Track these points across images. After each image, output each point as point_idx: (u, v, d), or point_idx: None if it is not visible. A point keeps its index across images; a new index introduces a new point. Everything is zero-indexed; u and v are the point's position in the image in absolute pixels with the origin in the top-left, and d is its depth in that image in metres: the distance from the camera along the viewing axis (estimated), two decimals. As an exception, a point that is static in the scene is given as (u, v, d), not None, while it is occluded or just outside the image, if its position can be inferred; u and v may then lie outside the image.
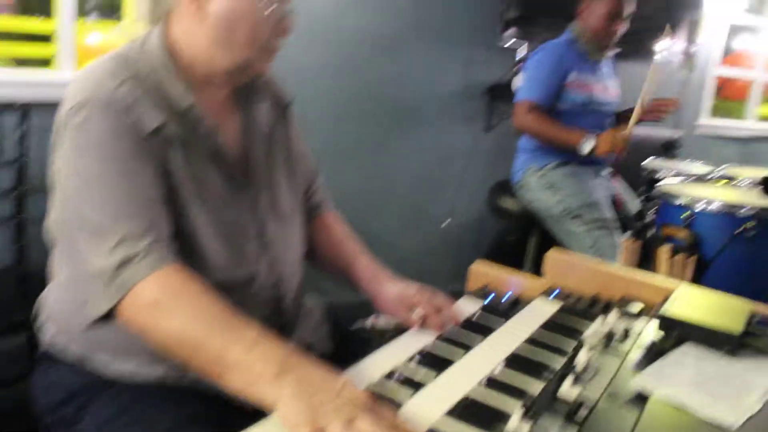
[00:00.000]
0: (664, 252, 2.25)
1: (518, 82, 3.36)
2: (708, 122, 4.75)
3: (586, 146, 2.69)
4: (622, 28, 2.92)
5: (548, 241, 2.89)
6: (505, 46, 3.35)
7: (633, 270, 2.04)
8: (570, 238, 2.76)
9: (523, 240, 3.14)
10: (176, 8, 1.14)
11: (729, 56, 5.08)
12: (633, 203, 2.99)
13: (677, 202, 2.28)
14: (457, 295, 1.33)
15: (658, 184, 2.51)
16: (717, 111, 5.00)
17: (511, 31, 3.30)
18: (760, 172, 2.94)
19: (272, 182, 1.27)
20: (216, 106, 1.20)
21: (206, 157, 1.14)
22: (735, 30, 4.95)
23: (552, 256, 1.54)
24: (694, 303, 1.22)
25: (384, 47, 3.27)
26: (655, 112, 2.93)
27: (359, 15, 3.19)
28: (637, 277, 1.42)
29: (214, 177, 1.15)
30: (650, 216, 2.42)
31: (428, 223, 3.61)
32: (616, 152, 2.67)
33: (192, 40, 1.14)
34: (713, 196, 2.27)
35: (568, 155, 2.84)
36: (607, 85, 3.00)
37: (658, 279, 1.42)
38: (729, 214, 2.19)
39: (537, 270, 3.08)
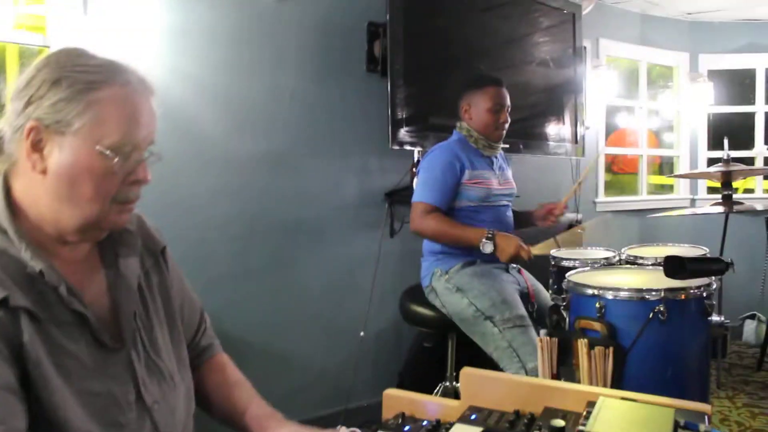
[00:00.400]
0: (582, 346, 2.19)
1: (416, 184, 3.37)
2: (605, 199, 4.91)
3: (487, 247, 2.67)
4: (508, 118, 2.96)
5: (467, 343, 2.82)
6: (399, 149, 3.35)
7: (551, 381, 1.99)
8: (485, 340, 2.68)
9: (441, 344, 3.04)
10: (16, 164, 1.05)
11: (613, 134, 5.33)
12: (545, 294, 2.96)
13: (588, 292, 2.25)
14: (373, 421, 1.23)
15: (567, 274, 2.49)
16: (611, 186, 5.21)
17: (404, 134, 3.31)
18: (659, 251, 2.99)
19: (150, 340, 1.16)
20: (76, 266, 1.10)
21: (68, 325, 1.03)
22: (613, 110, 5.23)
23: (466, 375, 1.44)
24: (617, 415, 1.15)
25: (279, 165, 3.23)
26: (548, 219, 2.99)
27: (250, 136, 3.15)
28: (557, 386, 1.34)
29: (79, 346, 1.03)
30: (564, 309, 2.38)
31: (343, 336, 3.49)
32: (513, 261, 2.70)
33: (35, 198, 1.05)
34: (622, 284, 2.26)
35: (473, 255, 2.79)
36: (503, 177, 3.01)
37: (578, 386, 1.34)
38: (639, 300, 2.18)
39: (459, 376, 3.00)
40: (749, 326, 5.30)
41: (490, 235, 2.67)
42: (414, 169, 3.41)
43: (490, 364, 2.65)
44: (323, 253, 3.40)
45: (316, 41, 3.32)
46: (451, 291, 2.78)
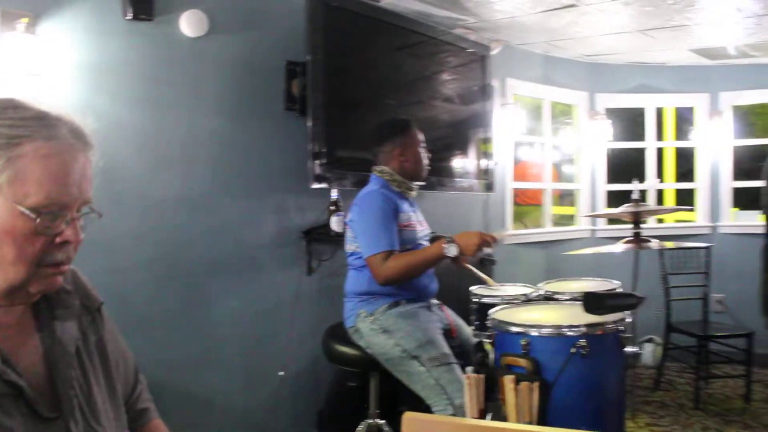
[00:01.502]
0: (508, 382, 2.26)
1: (334, 223, 3.39)
2: (512, 232, 5.07)
3: (452, 249, 2.69)
4: (427, 157, 3.03)
5: (391, 382, 2.84)
6: (317, 188, 3.36)
7: (493, 422, 2.04)
8: (412, 379, 2.71)
9: (364, 384, 3.05)
10: None
11: (516, 166, 5.53)
12: (466, 329, 3.03)
13: (513, 330, 2.34)
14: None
15: (490, 311, 2.57)
16: (517, 217, 5.40)
17: (323, 172, 3.33)
18: (574, 286, 3.13)
19: (89, 406, 1.09)
20: (8, 330, 1.04)
21: (1, 397, 0.96)
22: (518, 144, 5.44)
23: (409, 420, 1.46)
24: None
25: (196, 205, 3.17)
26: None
27: (167, 175, 3.09)
28: (497, 428, 1.38)
29: (14, 420, 0.97)
30: (488, 346, 2.45)
31: (263, 377, 3.44)
32: (478, 253, 2.73)
33: None
34: (544, 321, 2.35)
35: (396, 296, 2.83)
36: (421, 218, 3.08)
37: (517, 426, 1.39)
38: (561, 336, 2.27)
39: (382, 413, 3.03)
40: (647, 349, 5.58)
41: (449, 239, 2.71)
42: (332, 208, 3.43)
43: (412, 403, 2.69)
44: (242, 293, 3.36)
45: (235, 79, 3.31)
46: (377, 332, 2.79)
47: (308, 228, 3.57)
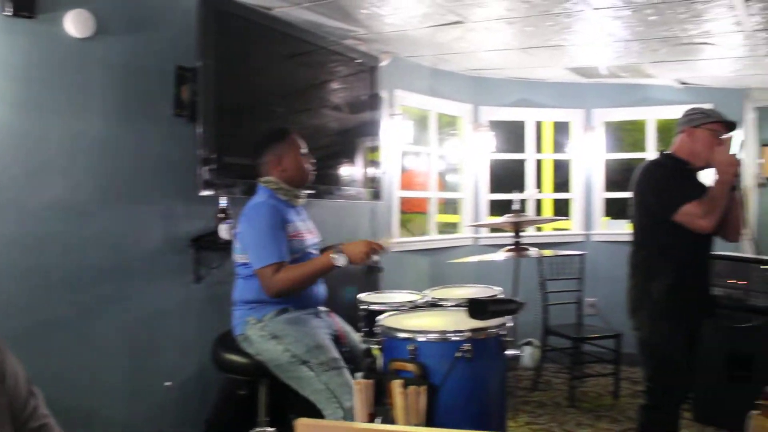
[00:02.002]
0: (396, 386, 2.34)
1: (223, 231, 3.36)
2: (399, 240, 5.18)
3: (341, 259, 2.73)
4: (312, 164, 3.06)
5: (280, 389, 2.86)
6: (206, 194, 3.33)
7: (384, 426, 2.10)
8: (301, 384, 2.74)
9: (253, 392, 3.05)
10: None
11: (403, 175, 5.65)
12: (354, 336, 3.09)
13: (400, 336, 2.41)
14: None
15: (378, 318, 2.64)
16: (403, 225, 5.51)
17: (212, 179, 3.30)
18: (458, 293, 3.26)
19: None
20: None
21: None
22: (405, 154, 5.56)
23: (303, 425, 1.50)
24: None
25: (79, 212, 3.06)
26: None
27: (48, 181, 2.96)
28: (385, 430, 1.44)
29: None
30: (377, 352, 2.51)
31: (148, 388, 3.36)
32: (367, 262, 2.78)
33: None
34: (431, 326, 2.44)
35: (285, 302, 2.85)
36: (308, 227, 3.10)
37: (404, 428, 1.46)
38: (446, 341, 2.37)
39: (272, 421, 3.04)
40: (526, 352, 5.84)
41: (337, 249, 2.75)
42: (220, 215, 3.40)
43: (302, 410, 2.71)
44: (127, 303, 3.27)
45: (122, 83, 3.22)
46: (266, 338, 2.80)
47: (197, 236, 3.52)
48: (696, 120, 3.11)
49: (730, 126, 3.14)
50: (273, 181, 2.98)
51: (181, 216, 3.48)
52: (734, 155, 3.00)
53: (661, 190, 3.07)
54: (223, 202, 3.41)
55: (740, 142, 5.77)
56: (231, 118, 3.43)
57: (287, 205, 2.98)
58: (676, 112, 3.28)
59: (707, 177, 3.12)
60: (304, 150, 3.04)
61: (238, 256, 2.92)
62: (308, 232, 3.05)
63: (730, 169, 2.94)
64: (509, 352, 2.54)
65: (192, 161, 3.28)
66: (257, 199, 2.96)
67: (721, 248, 3.79)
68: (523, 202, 6.16)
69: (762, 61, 4.69)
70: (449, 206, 6.76)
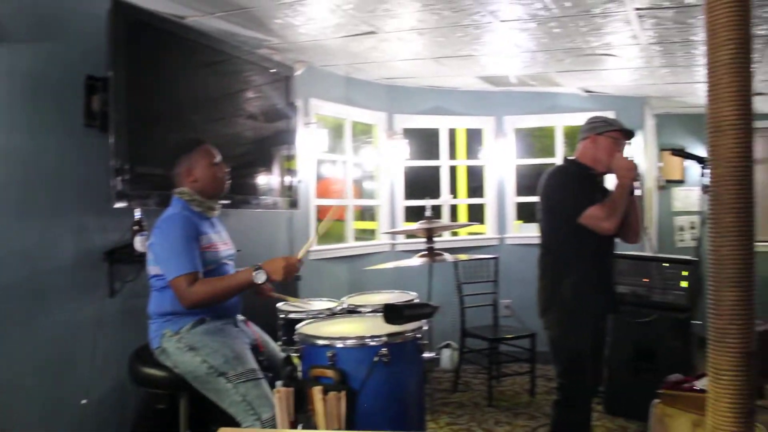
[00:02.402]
0: (316, 392, 2.37)
1: (138, 243, 3.31)
2: (317, 247, 5.20)
3: (260, 277, 2.72)
4: (226, 173, 3.05)
5: (201, 401, 2.84)
6: (120, 206, 3.26)
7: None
8: (220, 396, 2.72)
9: (173, 405, 3.02)
10: None
11: (319, 183, 5.67)
12: (273, 344, 3.10)
13: (319, 343, 2.45)
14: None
15: (297, 326, 2.67)
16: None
17: (126, 191, 3.23)
18: (375, 299, 3.31)
19: None
20: None
21: None
22: (321, 162, 5.59)
23: (224, 436, 1.53)
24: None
25: (-17, 226, 2.95)
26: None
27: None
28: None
29: None
30: (296, 360, 2.54)
31: (64, 407, 3.26)
32: (289, 276, 2.76)
33: None
34: (349, 332, 2.49)
35: (201, 313, 2.83)
36: (223, 239, 3.09)
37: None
38: (364, 346, 2.42)
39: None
40: (445, 354, 5.98)
41: (257, 266, 2.74)
42: (135, 227, 3.35)
43: (223, 421, 2.70)
44: (39, 320, 3.16)
45: (29, 93, 3.11)
46: (183, 350, 2.78)
47: (111, 249, 3.45)
48: (598, 128, 3.28)
49: (629, 134, 3.33)
50: (186, 192, 2.95)
51: (94, 229, 3.40)
52: (633, 161, 3.18)
53: (567, 194, 3.21)
54: (137, 213, 3.35)
55: (641, 148, 6.08)
56: (144, 128, 3.37)
57: (201, 216, 2.96)
58: (582, 119, 3.44)
59: (610, 182, 3.30)
60: (216, 159, 3.02)
61: (152, 268, 2.88)
62: (222, 244, 3.04)
63: (629, 174, 3.12)
64: (426, 354, 2.61)
65: (104, 172, 3.21)
66: (170, 211, 2.93)
67: (626, 248, 4.00)
68: (438, 207, 6.30)
69: (657, 72, 4.97)
70: (366, 212, 6.84)
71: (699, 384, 3.00)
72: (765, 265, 6.02)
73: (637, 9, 3.39)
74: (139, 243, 3.31)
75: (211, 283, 2.77)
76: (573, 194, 3.19)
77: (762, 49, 4.06)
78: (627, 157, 3.21)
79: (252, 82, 4.24)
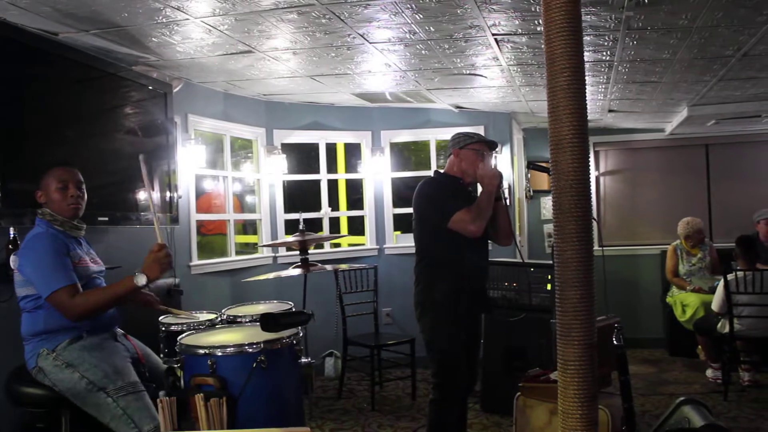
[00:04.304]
0: (198, 400, 2.47)
1: (13, 262, 3.26)
2: (198, 262, 5.22)
3: (141, 279, 2.75)
4: (78, 193, 2.99)
5: (82, 417, 2.84)
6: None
7: None
8: (100, 412, 2.73)
9: (55, 423, 2.99)
10: None
11: (200, 198, 5.68)
12: (154, 356, 3.13)
13: (200, 352, 2.54)
14: None
15: (179, 337, 2.74)
16: (201, 247, 5.54)
17: (1, 209, 3.18)
18: (254, 309, 3.42)
19: None
20: None
21: None
22: (202, 177, 5.61)
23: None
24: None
25: None
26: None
27: None
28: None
29: None
30: (178, 370, 2.62)
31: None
32: (165, 267, 2.80)
33: None
34: (228, 341, 2.59)
35: (77, 329, 2.83)
36: (92, 256, 3.10)
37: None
38: (243, 353, 2.54)
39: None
40: (329, 363, 6.13)
41: (137, 272, 2.77)
42: (10, 246, 3.30)
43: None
44: None
45: None
46: (61, 368, 2.77)
47: (-16, 266, 3.37)
48: (461, 142, 3.56)
49: (491, 145, 3.62)
50: (48, 213, 2.93)
51: (-35, 248, 3.32)
52: (496, 169, 3.47)
53: (436, 202, 3.46)
54: (12, 232, 3.30)
55: (509, 161, 6.47)
56: (15, 143, 3.32)
57: (66, 235, 2.95)
58: (454, 133, 3.70)
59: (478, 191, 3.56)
60: (67, 179, 2.96)
61: (21, 290, 2.85)
62: (92, 261, 3.05)
63: (493, 181, 3.40)
64: (303, 359, 2.75)
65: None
66: (35, 230, 2.91)
67: (497, 255, 4.30)
68: (319, 220, 6.45)
69: (520, 91, 5.34)
70: (248, 225, 6.88)
71: (553, 375, 3.29)
72: (612, 268, 6.59)
73: (495, 35, 3.68)
74: (13, 262, 3.26)
75: (94, 293, 2.79)
76: (441, 201, 3.43)
77: (607, 72, 4.49)
78: (491, 166, 3.49)
79: (130, 98, 4.24)
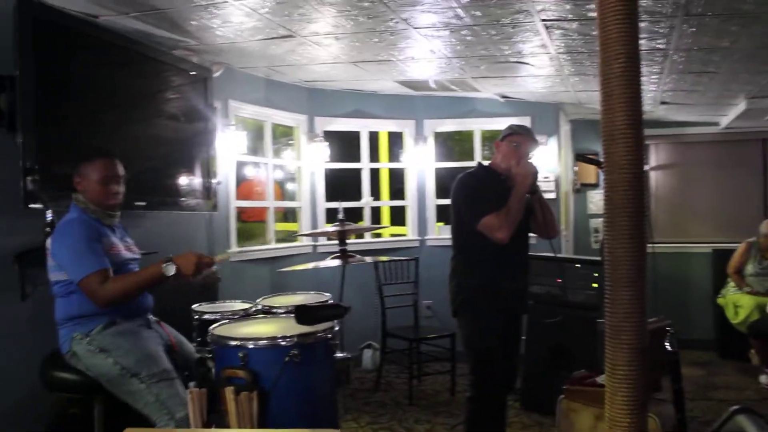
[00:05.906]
0: (228, 393, 2.40)
1: (49, 245, 3.25)
2: (237, 249, 5.19)
3: (170, 269, 2.70)
4: (119, 189, 2.96)
5: (115, 404, 2.81)
6: (32, 207, 3.19)
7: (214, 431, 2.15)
8: (133, 398, 2.70)
9: (88, 409, 2.97)
10: None
11: (241, 185, 5.66)
12: (187, 344, 3.09)
13: (231, 343, 2.47)
14: None
15: (210, 327, 2.68)
16: (241, 234, 5.51)
17: (38, 192, 3.16)
18: (289, 300, 3.35)
19: None
20: None
21: None
22: (242, 164, 5.58)
23: (129, 435, 1.55)
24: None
25: None
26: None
27: None
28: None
29: None
30: (210, 361, 2.56)
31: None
32: (199, 273, 2.76)
33: None
34: (260, 333, 2.52)
35: (111, 314, 2.80)
36: (126, 243, 3.06)
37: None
38: (276, 347, 2.46)
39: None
40: (367, 354, 6.06)
41: (168, 258, 2.73)
42: (47, 229, 3.29)
43: (139, 422, 2.69)
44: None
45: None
46: (95, 353, 2.75)
47: (21, 251, 3.37)
48: (502, 134, 3.46)
49: (531, 137, 3.48)
50: (82, 200, 2.90)
51: (3, 231, 3.31)
52: (532, 167, 3.33)
53: (470, 200, 3.36)
54: (49, 215, 3.28)
55: (556, 153, 6.29)
56: (56, 127, 3.30)
57: (100, 223, 2.92)
58: (499, 124, 3.60)
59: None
60: (107, 176, 2.91)
61: (54, 275, 2.84)
62: (126, 249, 3.02)
63: (526, 180, 3.28)
64: (338, 354, 2.67)
65: (14, 173, 3.14)
66: (69, 216, 2.88)
67: (541, 249, 4.16)
68: (360, 209, 6.37)
69: (568, 80, 5.16)
70: (289, 213, 6.85)
71: (599, 379, 3.15)
72: (662, 265, 6.35)
73: (544, 20, 3.53)
74: (49, 246, 3.24)
75: (122, 279, 2.75)
76: (475, 200, 3.32)
77: (661, 61, 4.29)
78: (529, 163, 3.36)
79: (170, 83, 4.21)
